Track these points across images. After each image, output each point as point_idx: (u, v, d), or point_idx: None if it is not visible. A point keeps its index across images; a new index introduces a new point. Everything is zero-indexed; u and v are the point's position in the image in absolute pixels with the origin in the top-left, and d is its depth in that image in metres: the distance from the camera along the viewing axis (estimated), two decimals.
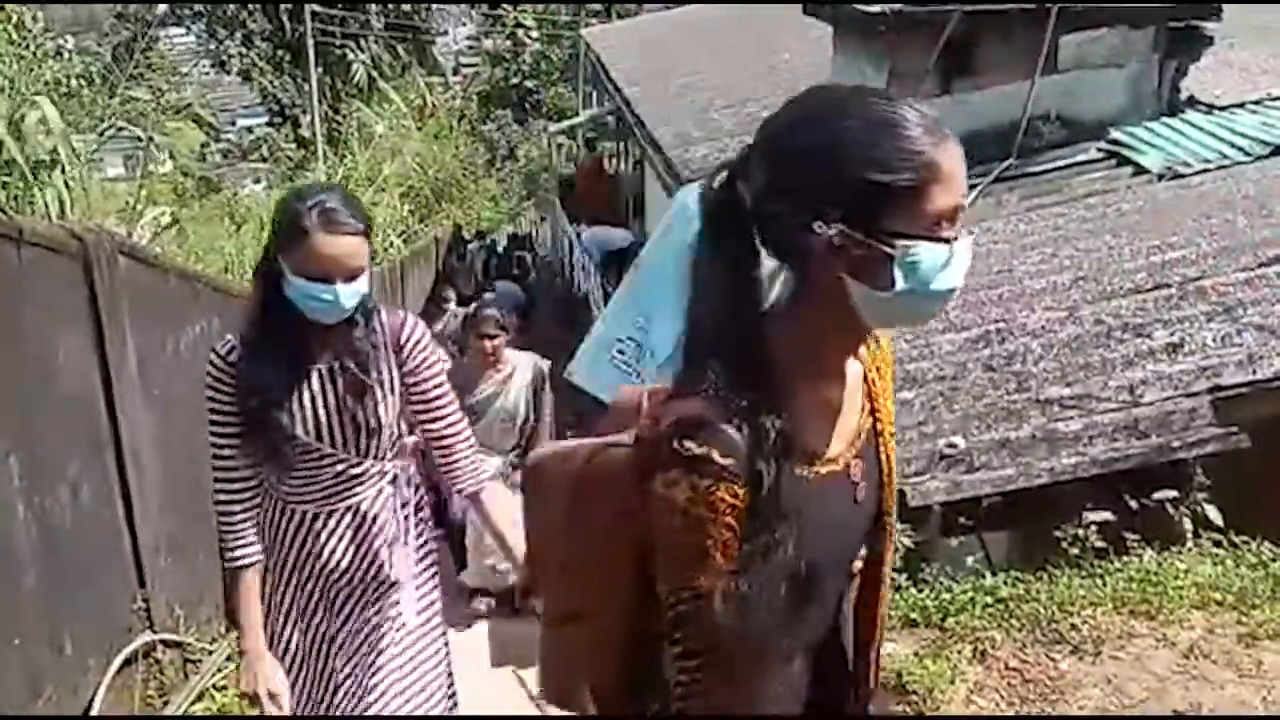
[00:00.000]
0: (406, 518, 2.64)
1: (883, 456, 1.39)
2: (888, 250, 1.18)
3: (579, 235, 10.92)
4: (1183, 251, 4.38)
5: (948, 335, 4.05)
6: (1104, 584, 3.29)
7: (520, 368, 5.24)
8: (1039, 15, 5.20)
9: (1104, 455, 3.45)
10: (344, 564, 2.59)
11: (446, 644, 2.83)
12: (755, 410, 1.22)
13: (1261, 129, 5.57)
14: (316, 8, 24.31)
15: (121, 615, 4.04)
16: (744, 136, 7.49)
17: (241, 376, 2.35)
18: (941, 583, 3.35)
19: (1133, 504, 3.43)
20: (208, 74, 29.48)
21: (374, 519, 2.59)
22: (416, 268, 14.16)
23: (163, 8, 27.77)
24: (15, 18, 8.55)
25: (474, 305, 5.97)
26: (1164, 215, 4.86)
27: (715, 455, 1.20)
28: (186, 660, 4.44)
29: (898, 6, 5.25)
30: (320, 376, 2.43)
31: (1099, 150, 5.60)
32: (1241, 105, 5.96)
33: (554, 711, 1.67)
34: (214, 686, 4.51)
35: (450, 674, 2.86)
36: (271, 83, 27.31)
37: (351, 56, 25.95)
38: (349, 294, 2.29)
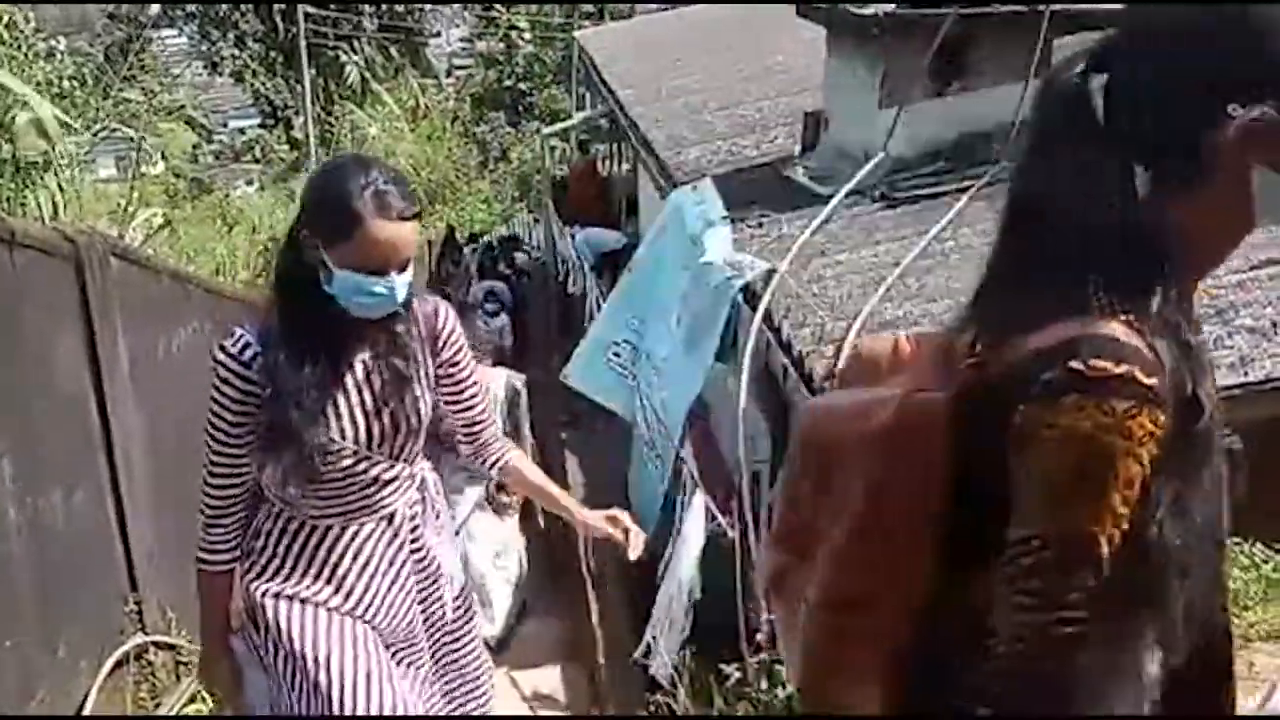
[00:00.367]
0: (439, 516, 2.48)
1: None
2: None
3: (572, 237, 10.92)
4: None
5: None
6: None
7: (492, 386, 5.02)
8: (1032, 18, 5.21)
9: None
10: (382, 578, 2.37)
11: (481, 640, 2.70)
12: (1175, 326, 1.08)
13: None
14: (309, 9, 24.31)
15: (114, 617, 4.03)
16: (737, 139, 7.50)
17: (265, 381, 2.09)
18: None
19: None
20: (200, 75, 29.43)
21: (410, 526, 2.39)
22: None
23: (155, 9, 27.74)
24: (7, 18, 8.54)
25: None
26: None
27: (1139, 375, 1.03)
28: (178, 662, 4.43)
29: (891, 9, 5.26)
30: (356, 375, 2.19)
31: None
32: None
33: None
34: (206, 688, 4.50)
35: (490, 669, 2.73)
36: (264, 84, 27.27)
37: (344, 58, 25.93)
38: (403, 285, 2.06)
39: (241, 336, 2.11)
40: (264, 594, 2.33)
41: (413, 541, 2.40)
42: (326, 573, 2.33)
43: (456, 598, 2.53)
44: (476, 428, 2.45)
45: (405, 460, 2.31)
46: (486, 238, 18.55)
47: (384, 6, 27.09)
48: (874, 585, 1.23)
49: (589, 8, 24.11)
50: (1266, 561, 3.35)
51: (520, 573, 5.38)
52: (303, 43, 23.07)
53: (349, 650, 2.30)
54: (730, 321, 4.65)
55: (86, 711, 3.62)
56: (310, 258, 2.06)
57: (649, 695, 3.67)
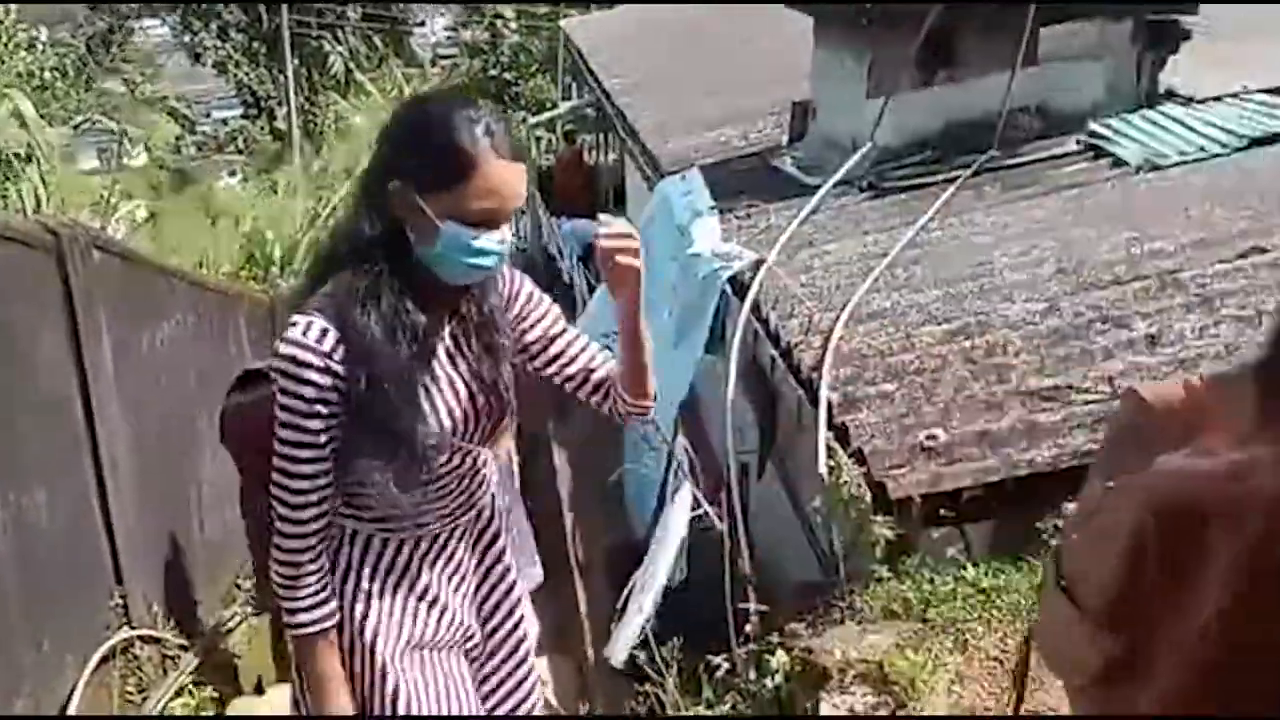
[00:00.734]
0: (509, 510, 2.21)
1: None
2: None
3: (559, 227, 10.90)
4: (1161, 243, 4.41)
5: (927, 328, 4.06)
6: None
7: None
8: (1018, 8, 5.21)
9: (1084, 446, 3.47)
10: (472, 588, 2.08)
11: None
12: None
13: (1239, 122, 5.61)
14: None
15: (99, 612, 4.01)
16: (725, 128, 7.49)
17: (353, 372, 1.73)
18: (922, 574, 3.35)
19: None
20: (182, 66, 29.26)
21: (490, 520, 2.12)
22: None
23: None
24: None
25: None
26: (1142, 207, 4.88)
27: None
28: (165, 656, 4.42)
29: None
30: (446, 354, 1.88)
31: (1078, 142, 5.63)
32: (1219, 98, 5.99)
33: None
34: (193, 683, 4.49)
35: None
36: (247, 74, 27.11)
37: (328, 48, 25.81)
38: (507, 243, 1.79)
39: (312, 322, 1.72)
40: (372, 651, 1.96)
41: (494, 536, 2.12)
42: (424, 594, 1.99)
43: (508, 580, 2.21)
44: (594, 369, 2.07)
45: (489, 445, 2.02)
46: None
47: None
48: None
49: None
50: None
51: None
52: (286, 32, 22.94)
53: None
54: (719, 312, 4.64)
55: (73, 706, 3.60)
56: (403, 213, 1.72)
57: (637, 687, 3.67)
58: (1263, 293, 3.95)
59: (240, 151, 26.48)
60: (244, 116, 28.77)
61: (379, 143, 1.80)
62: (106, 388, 4.09)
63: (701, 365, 4.73)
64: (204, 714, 4.34)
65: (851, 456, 3.43)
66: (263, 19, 26.00)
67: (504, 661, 2.17)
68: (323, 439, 1.76)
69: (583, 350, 2.08)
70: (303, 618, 1.87)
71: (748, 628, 3.58)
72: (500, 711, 2.17)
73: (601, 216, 1.86)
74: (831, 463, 3.43)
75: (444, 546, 2.01)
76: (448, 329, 1.88)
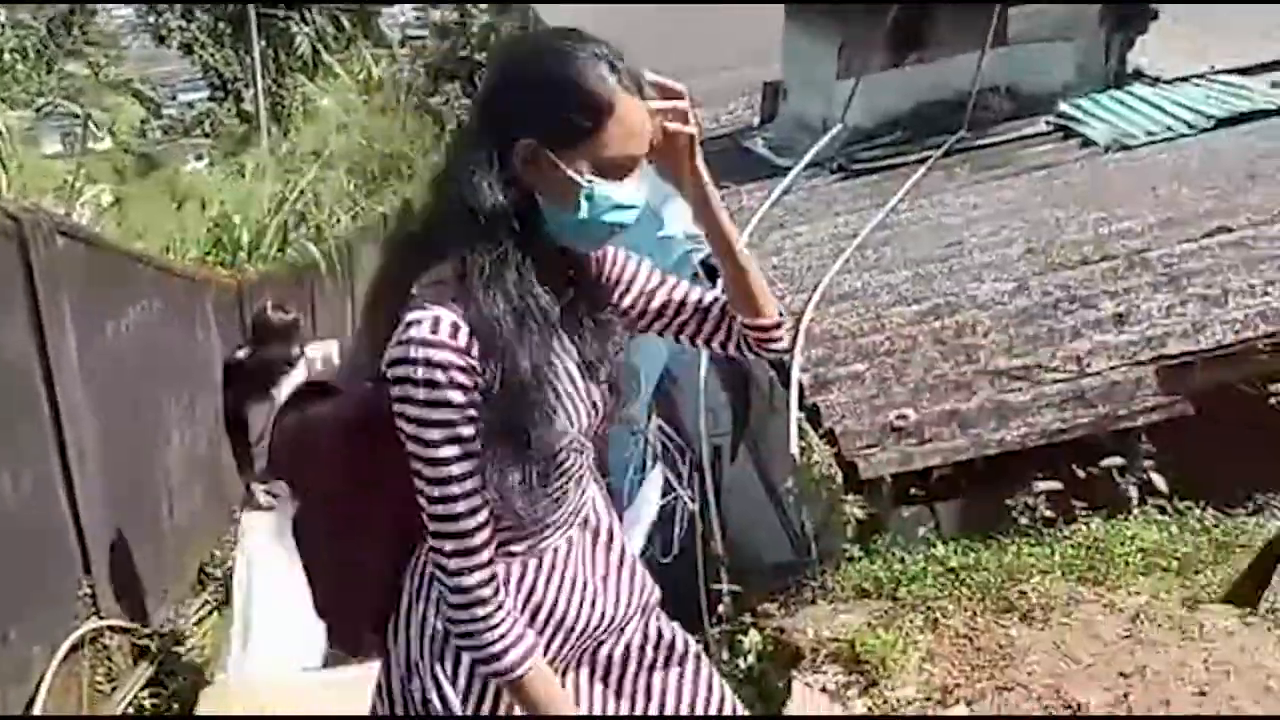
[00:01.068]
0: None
1: None
2: None
3: None
4: (1129, 223, 4.44)
5: (898, 308, 4.08)
6: (1052, 552, 3.34)
7: None
8: None
9: (1052, 425, 3.50)
10: (599, 598, 1.82)
11: None
12: None
13: (1205, 102, 5.65)
14: None
15: (67, 602, 3.97)
16: (696, 109, 7.48)
17: (489, 366, 1.48)
18: (894, 553, 3.38)
19: (1080, 473, 3.49)
20: (147, 48, 28.83)
21: (600, 522, 1.85)
22: (365, 246, 14.00)
23: None
24: None
25: None
26: (1111, 187, 4.92)
27: None
28: (134, 646, 4.38)
29: None
30: (559, 340, 1.62)
31: (1047, 123, 5.65)
32: (1186, 79, 6.04)
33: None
34: (163, 673, 4.46)
35: None
36: (213, 56, 26.75)
37: (295, 29, 25.49)
38: (644, 193, 1.58)
39: (439, 316, 1.47)
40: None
41: (609, 538, 1.86)
42: (551, 615, 1.75)
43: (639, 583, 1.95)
44: (708, 305, 1.80)
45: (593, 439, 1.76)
46: None
47: None
48: None
49: None
50: (1217, 525, 3.41)
51: None
52: (252, 13, 22.64)
53: None
54: None
55: (40, 698, 3.56)
56: (533, 176, 1.49)
57: None
58: (1228, 271, 3.99)
59: (207, 135, 26.14)
60: (210, 99, 28.40)
61: (487, 98, 1.55)
62: (71, 375, 4.04)
63: (676, 348, 4.73)
64: (175, 705, 4.32)
65: (823, 437, 3.45)
66: None
67: (669, 666, 1.90)
68: (476, 447, 1.50)
69: (687, 291, 1.81)
70: (513, 656, 1.57)
71: (720, 608, 3.59)
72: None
73: (646, 72, 1.57)
74: (803, 443, 3.44)
75: (564, 560, 1.75)
76: (558, 309, 1.60)
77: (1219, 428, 3.42)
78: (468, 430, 1.48)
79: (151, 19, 27.70)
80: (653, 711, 1.87)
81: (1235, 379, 3.52)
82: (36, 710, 3.52)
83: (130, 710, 4.16)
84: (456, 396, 1.46)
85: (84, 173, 10.10)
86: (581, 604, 1.78)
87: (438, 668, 1.68)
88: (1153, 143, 5.34)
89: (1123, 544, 3.33)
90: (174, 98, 30.88)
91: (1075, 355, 3.71)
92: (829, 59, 5.45)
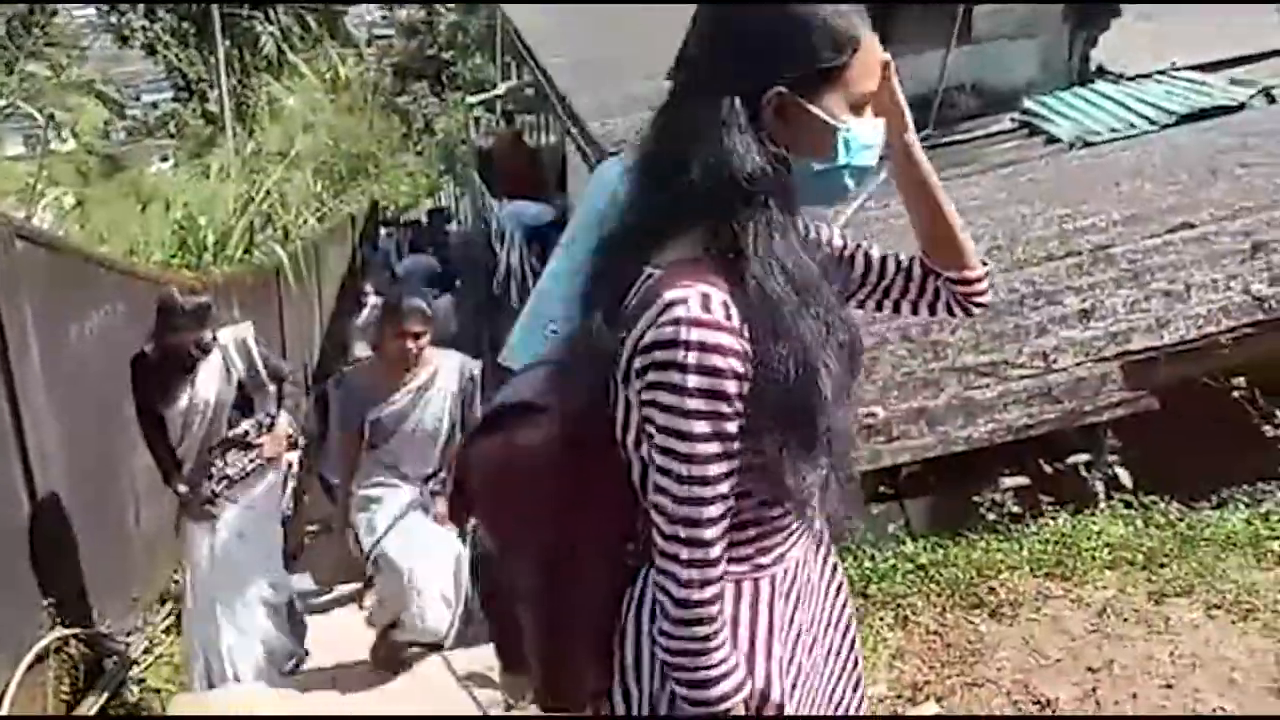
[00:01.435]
0: None
1: None
2: None
3: (499, 209, 10.81)
4: (1093, 219, 4.48)
5: None
6: (1020, 547, 3.37)
7: (444, 370, 4.32)
8: None
9: (1019, 421, 3.52)
10: (825, 610, 1.64)
11: None
12: None
13: (1167, 98, 5.71)
14: None
15: (31, 612, 3.92)
16: None
17: (757, 348, 1.30)
18: (864, 550, 3.39)
19: (1047, 468, 3.52)
20: (109, 48, 28.50)
21: (815, 522, 1.59)
22: (333, 246, 13.92)
23: None
24: None
25: (394, 294, 5.12)
26: (1075, 184, 4.96)
27: None
28: (102, 653, 4.33)
29: None
30: None
31: (1012, 120, 5.69)
32: (1149, 75, 6.10)
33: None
34: (131, 680, 4.41)
35: None
36: (177, 56, 26.48)
37: (260, 28, 25.27)
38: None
39: (709, 294, 1.30)
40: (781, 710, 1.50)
41: (826, 544, 1.66)
42: (790, 632, 1.54)
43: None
44: (903, 261, 1.66)
45: None
46: (412, 214, 18.30)
47: None
48: None
49: None
50: (1182, 519, 3.45)
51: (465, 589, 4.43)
52: (216, 13, 22.42)
53: None
54: None
55: (4, 709, 3.51)
56: (786, 129, 1.35)
57: None
58: (1191, 266, 4.03)
59: (172, 136, 25.89)
60: (175, 99, 28.13)
61: (717, 52, 1.39)
62: (34, 380, 3.99)
63: None
64: (144, 712, 4.28)
65: None
66: None
67: (858, 689, 1.73)
68: (736, 446, 1.32)
69: (880, 252, 1.66)
70: (725, 687, 1.38)
71: None
72: None
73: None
74: None
75: (800, 571, 1.55)
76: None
77: (1183, 422, 3.46)
78: (733, 426, 1.31)
79: (114, 19, 27.38)
80: None
81: (1199, 373, 3.56)
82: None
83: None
84: (731, 386, 1.29)
85: (46, 175, 9.96)
86: (820, 619, 1.61)
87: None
88: (1116, 139, 5.39)
89: (1089, 539, 3.36)
90: (138, 98, 30.57)
91: (1041, 351, 3.74)
92: None
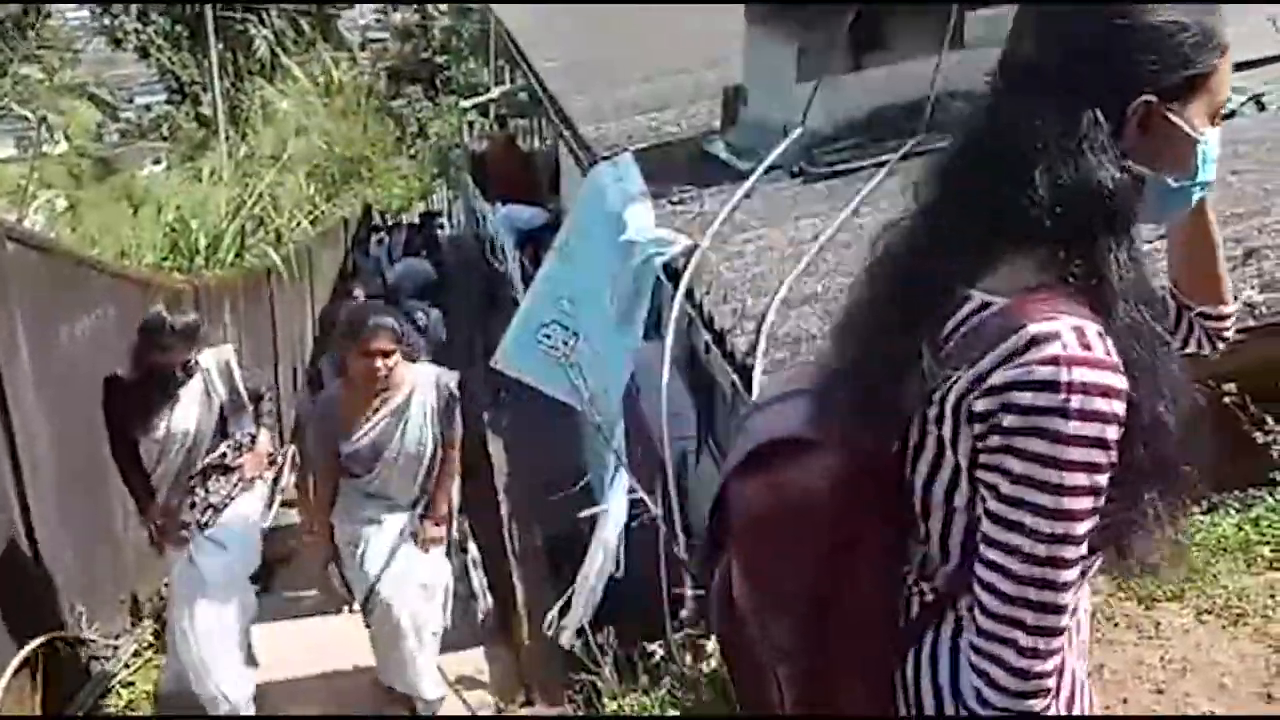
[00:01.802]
0: None
1: None
2: None
3: (493, 213, 10.82)
4: None
5: None
6: None
7: (420, 388, 4.03)
8: None
9: None
10: None
11: None
12: None
13: None
14: None
15: (20, 614, 3.90)
16: (656, 113, 7.44)
17: (1143, 389, 1.20)
18: None
19: None
20: (103, 51, 28.45)
21: None
22: (325, 249, 13.90)
23: None
24: None
25: (356, 309, 4.63)
26: None
27: None
28: (90, 658, 4.32)
29: None
30: None
31: None
32: None
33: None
34: (119, 682, 4.40)
35: None
36: (170, 59, 26.45)
37: (253, 31, 25.26)
38: None
39: (1083, 327, 1.16)
40: None
41: None
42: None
43: None
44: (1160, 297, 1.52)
45: None
46: (405, 217, 18.28)
47: None
48: None
49: None
50: None
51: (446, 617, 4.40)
52: (209, 15, 22.39)
53: None
54: (655, 299, 4.63)
55: None
56: (1150, 141, 1.23)
57: (572, 675, 3.66)
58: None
59: (164, 138, 25.85)
60: (168, 102, 28.09)
61: (1080, 54, 1.25)
62: (23, 383, 3.97)
63: (642, 353, 4.72)
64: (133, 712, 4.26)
65: None
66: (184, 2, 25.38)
67: None
68: (1102, 501, 1.18)
69: None
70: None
71: (684, 612, 3.59)
72: None
73: None
74: None
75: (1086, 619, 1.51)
76: None
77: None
78: (1105, 479, 1.16)
79: (107, 21, 27.34)
80: None
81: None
82: None
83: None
84: (1112, 433, 1.15)
85: (38, 177, 9.95)
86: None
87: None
88: None
89: None
90: (130, 101, 30.53)
91: None
92: (789, 62, 5.46)
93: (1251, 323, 3.70)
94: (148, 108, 29.59)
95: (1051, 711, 1.25)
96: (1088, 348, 1.14)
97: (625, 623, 3.68)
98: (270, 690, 4.43)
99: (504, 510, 6.37)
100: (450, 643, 4.57)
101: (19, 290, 4.00)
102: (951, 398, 1.19)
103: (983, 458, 1.18)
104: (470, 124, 16.76)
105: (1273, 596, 3.05)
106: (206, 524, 3.99)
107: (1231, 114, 5.59)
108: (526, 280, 7.88)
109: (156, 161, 22.88)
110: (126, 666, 4.52)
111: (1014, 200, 1.20)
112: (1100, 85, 1.21)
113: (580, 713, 3.56)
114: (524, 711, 4.53)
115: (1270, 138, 5.07)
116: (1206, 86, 1.24)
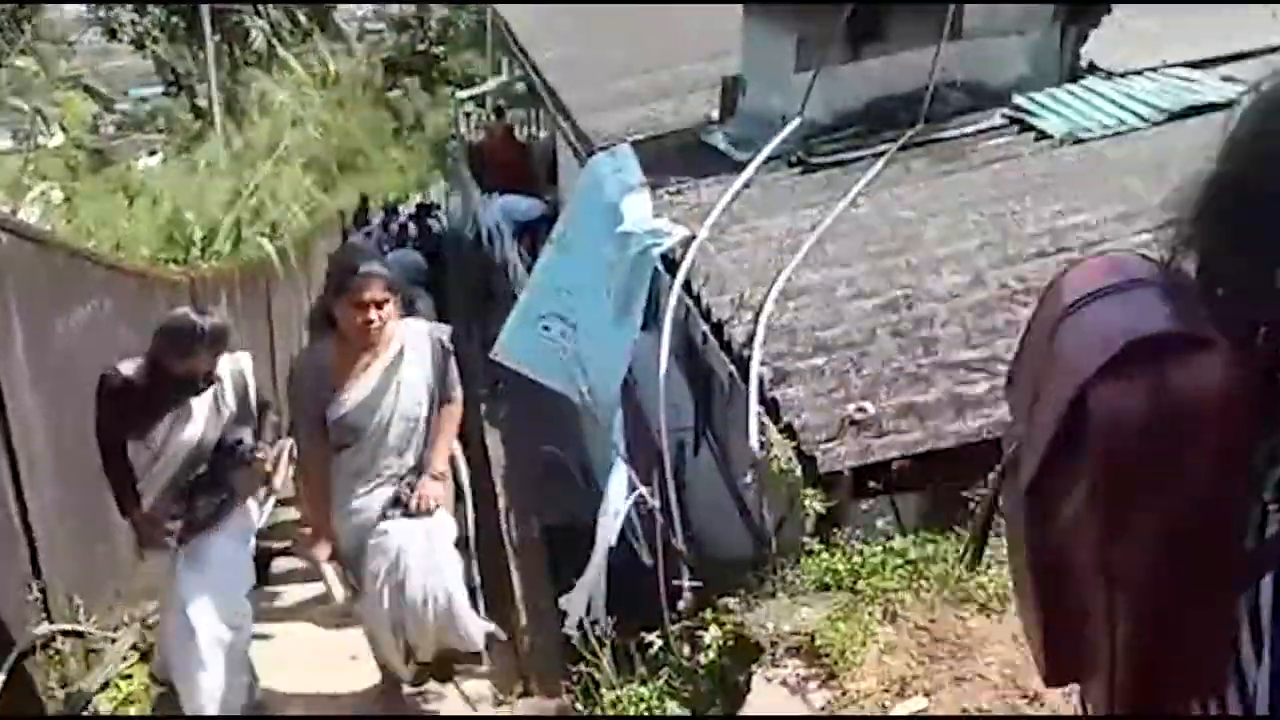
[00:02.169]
0: None
1: None
2: None
3: (490, 205, 10.80)
4: (1084, 216, 4.48)
5: (857, 302, 4.08)
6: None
7: (411, 344, 3.68)
8: None
9: (1009, 417, 3.52)
10: None
11: None
12: None
13: (1158, 95, 5.71)
14: None
15: (17, 607, 3.90)
16: (654, 104, 7.42)
17: None
18: (853, 546, 3.38)
19: None
20: (98, 42, 28.36)
21: None
22: (322, 241, 13.88)
23: None
24: None
25: (343, 257, 4.28)
26: (1066, 180, 4.95)
27: None
28: (89, 650, 4.31)
29: None
30: None
31: (1003, 116, 5.69)
32: (1139, 72, 6.09)
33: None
34: (119, 675, 4.39)
35: None
36: (166, 51, 26.37)
37: (249, 23, 25.18)
38: None
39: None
40: None
41: None
42: None
43: None
44: None
45: None
46: (401, 209, 18.24)
47: None
48: None
49: None
50: None
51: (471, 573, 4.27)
52: (205, 7, 22.32)
53: None
54: (653, 289, 4.63)
55: None
56: None
57: (570, 666, 3.66)
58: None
59: (160, 130, 25.79)
60: (164, 94, 28.02)
61: None
62: (19, 375, 3.96)
63: (640, 343, 4.71)
64: (132, 708, 4.26)
65: (782, 431, 3.45)
66: None
67: None
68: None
69: None
70: None
71: (681, 603, 3.59)
72: None
73: None
74: (763, 437, 3.44)
75: None
76: None
77: None
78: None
79: (102, 13, 27.25)
80: None
81: None
82: None
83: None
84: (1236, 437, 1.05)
85: (33, 169, 9.92)
86: None
87: None
88: (1107, 136, 5.38)
89: None
90: (126, 93, 30.41)
91: None
92: (787, 53, 5.45)
93: None
94: (144, 100, 29.50)
95: None
96: None
97: (625, 612, 3.68)
98: (270, 691, 4.43)
99: (501, 502, 6.37)
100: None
101: (14, 283, 3.98)
102: None
103: None
104: (467, 115, 16.73)
105: None
106: (184, 540, 3.76)
107: (1231, 104, 5.57)
108: (524, 271, 7.87)
109: (152, 153, 22.81)
110: (124, 659, 4.52)
111: None
112: None
113: (578, 703, 3.56)
114: (522, 702, 4.53)
115: None
116: None
